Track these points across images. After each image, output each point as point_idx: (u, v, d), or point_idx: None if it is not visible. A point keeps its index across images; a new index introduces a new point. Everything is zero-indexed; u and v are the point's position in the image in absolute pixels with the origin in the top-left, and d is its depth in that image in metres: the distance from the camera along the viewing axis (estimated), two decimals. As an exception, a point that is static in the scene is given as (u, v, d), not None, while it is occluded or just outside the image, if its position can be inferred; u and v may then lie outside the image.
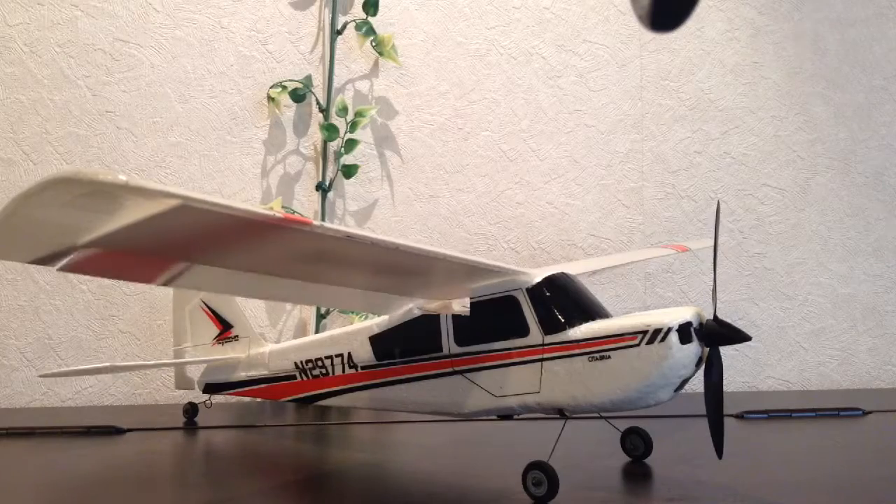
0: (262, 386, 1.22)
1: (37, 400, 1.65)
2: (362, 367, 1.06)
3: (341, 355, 1.08)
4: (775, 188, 1.83)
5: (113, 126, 1.60)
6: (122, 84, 1.60)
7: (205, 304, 1.37)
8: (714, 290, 0.90)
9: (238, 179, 1.64)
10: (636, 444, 1.05)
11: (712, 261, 0.91)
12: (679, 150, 1.81)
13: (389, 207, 1.71)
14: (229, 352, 1.32)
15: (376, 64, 1.70)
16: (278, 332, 1.68)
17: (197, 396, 1.38)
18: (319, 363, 1.11)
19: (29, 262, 0.66)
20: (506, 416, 0.98)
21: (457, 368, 0.96)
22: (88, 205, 0.56)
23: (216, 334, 1.35)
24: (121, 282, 1.65)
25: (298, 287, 0.84)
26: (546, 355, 0.90)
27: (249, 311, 1.63)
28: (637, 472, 1.02)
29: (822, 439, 1.22)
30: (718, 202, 1.05)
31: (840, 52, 1.86)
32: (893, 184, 1.86)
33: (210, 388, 1.33)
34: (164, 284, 0.76)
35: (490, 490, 0.95)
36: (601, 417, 1.01)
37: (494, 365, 0.93)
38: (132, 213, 0.58)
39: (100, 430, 1.29)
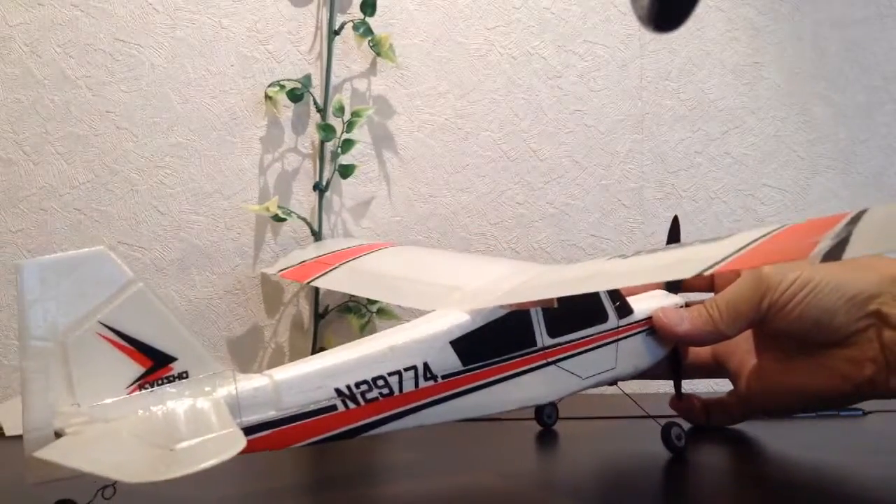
0: (268, 433, 0.85)
1: (37, 400, 1.64)
2: (443, 377, 0.92)
3: (413, 367, 0.91)
4: (775, 188, 1.83)
5: (113, 126, 1.60)
6: (123, 84, 1.60)
7: (107, 326, 0.79)
8: None
9: (238, 179, 1.64)
10: (550, 412, 1.27)
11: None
12: (679, 150, 1.81)
13: (389, 207, 1.71)
14: None
15: (375, 64, 1.70)
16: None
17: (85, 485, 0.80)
18: (379, 382, 0.90)
19: None
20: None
21: (550, 360, 1.00)
22: None
23: (138, 375, 0.81)
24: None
25: None
26: (621, 336, 1.07)
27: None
28: (630, 472, 1.02)
29: (822, 439, 1.22)
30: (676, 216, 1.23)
31: (840, 52, 1.86)
32: (893, 184, 1.86)
33: None
34: None
35: (485, 488, 0.94)
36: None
37: (584, 350, 1.03)
38: None
39: (100, 430, 1.28)
